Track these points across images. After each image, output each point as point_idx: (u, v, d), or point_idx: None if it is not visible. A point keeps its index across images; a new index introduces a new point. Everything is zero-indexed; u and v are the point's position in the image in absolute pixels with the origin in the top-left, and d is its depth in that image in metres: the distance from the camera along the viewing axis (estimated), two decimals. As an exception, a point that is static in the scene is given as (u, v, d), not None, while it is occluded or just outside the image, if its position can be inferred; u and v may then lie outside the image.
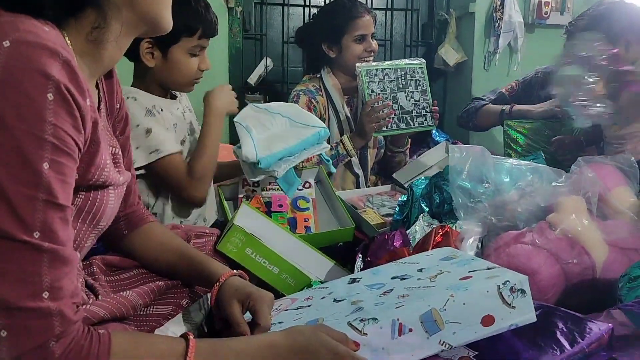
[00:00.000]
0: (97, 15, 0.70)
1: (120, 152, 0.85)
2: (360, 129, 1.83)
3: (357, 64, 1.82)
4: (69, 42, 0.68)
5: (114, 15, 0.72)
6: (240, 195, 1.44)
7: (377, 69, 1.81)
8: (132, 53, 1.32)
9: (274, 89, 3.02)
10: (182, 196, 1.38)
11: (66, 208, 0.63)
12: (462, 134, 2.84)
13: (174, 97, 1.49)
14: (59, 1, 0.65)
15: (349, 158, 1.86)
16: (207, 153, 1.38)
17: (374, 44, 1.97)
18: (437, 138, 2.50)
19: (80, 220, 0.76)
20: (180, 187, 1.36)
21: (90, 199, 0.75)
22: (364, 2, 2.28)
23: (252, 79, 2.90)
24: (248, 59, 2.90)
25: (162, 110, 1.39)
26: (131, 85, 1.42)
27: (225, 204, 1.44)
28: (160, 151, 1.32)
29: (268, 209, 1.40)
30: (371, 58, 1.96)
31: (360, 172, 1.99)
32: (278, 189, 1.45)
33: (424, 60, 1.92)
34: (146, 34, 0.81)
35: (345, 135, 1.87)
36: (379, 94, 1.80)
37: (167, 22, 0.80)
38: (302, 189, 1.48)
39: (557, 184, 1.08)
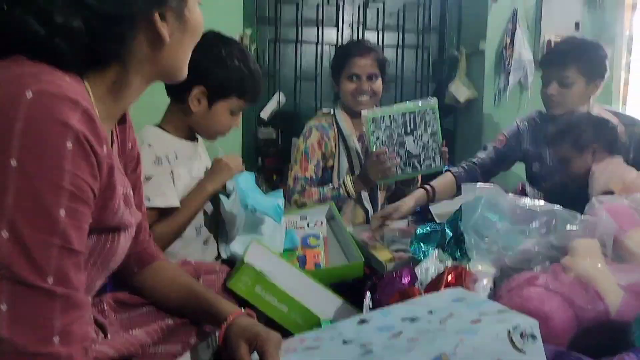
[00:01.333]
0: (121, 69, 0.73)
1: (131, 192, 0.86)
2: (364, 176, 1.81)
3: (362, 111, 1.76)
4: (89, 89, 0.70)
5: (137, 69, 0.74)
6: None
7: (384, 116, 1.74)
8: (177, 93, 1.36)
9: (287, 124, 3.06)
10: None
11: (80, 254, 0.64)
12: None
13: (195, 139, 1.50)
14: (83, 56, 0.67)
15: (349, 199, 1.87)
16: (175, 221, 1.34)
17: (375, 86, 1.95)
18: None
19: (91, 263, 0.76)
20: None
21: (102, 241, 0.76)
22: (374, 42, 2.29)
23: (265, 114, 2.94)
24: (262, 95, 2.94)
25: (176, 157, 1.39)
26: (161, 120, 1.44)
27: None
28: (151, 201, 1.31)
29: (279, 246, 1.40)
30: (365, 98, 1.94)
31: (369, 207, 1.98)
32: (291, 228, 1.46)
33: (436, 99, 1.86)
34: (161, 80, 0.83)
35: (348, 177, 1.86)
36: (384, 141, 1.75)
37: (184, 73, 0.82)
38: (313, 227, 1.48)
39: (572, 227, 1.07)
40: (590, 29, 2.93)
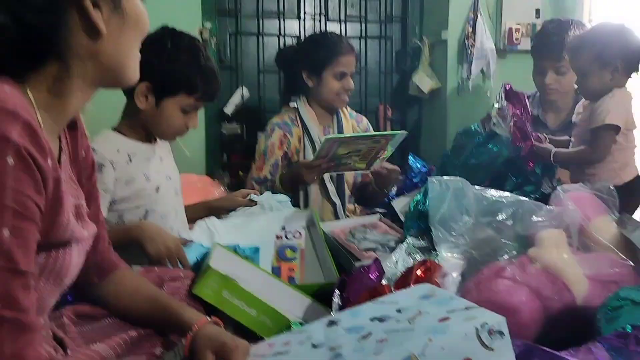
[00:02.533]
0: (60, 67, 0.69)
1: (84, 203, 0.83)
2: (296, 175, 1.79)
3: (326, 136, 1.67)
4: (31, 96, 0.67)
5: (78, 67, 0.71)
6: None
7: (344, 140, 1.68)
8: (126, 89, 1.30)
9: (251, 118, 3.02)
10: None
11: (28, 274, 0.61)
12: (437, 159, 2.86)
13: (153, 140, 1.45)
14: (18, 56, 0.65)
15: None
16: None
17: (350, 83, 1.97)
18: (414, 165, 2.50)
19: (42, 281, 0.73)
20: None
21: (52, 258, 0.73)
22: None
23: (229, 109, 2.89)
24: (224, 88, 2.88)
25: (130, 160, 1.35)
26: (120, 120, 1.40)
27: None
28: (106, 193, 1.28)
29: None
30: (347, 97, 1.97)
31: (337, 200, 1.97)
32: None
33: (405, 133, 1.76)
34: (112, 85, 0.79)
35: (278, 177, 1.87)
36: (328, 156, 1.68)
37: (133, 74, 0.79)
38: (291, 239, 1.42)
39: (538, 218, 1.07)
40: (551, 15, 2.96)
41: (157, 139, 1.46)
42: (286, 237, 1.40)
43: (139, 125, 1.39)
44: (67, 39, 0.69)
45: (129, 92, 1.33)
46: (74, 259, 0.77)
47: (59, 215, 0.70)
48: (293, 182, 1.84)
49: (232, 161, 3.04)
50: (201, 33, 2.60)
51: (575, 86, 1.77)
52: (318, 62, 1.94)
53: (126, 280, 0.98)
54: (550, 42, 2.05)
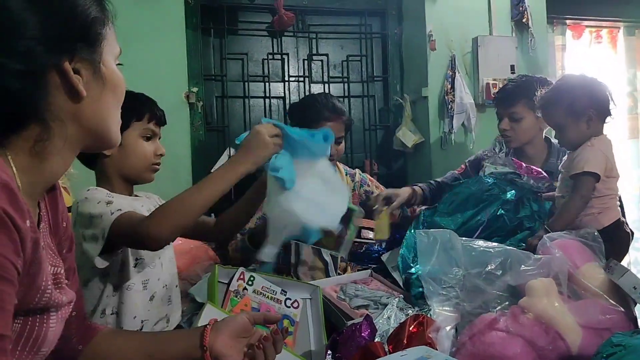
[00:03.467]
0: (41, 129, 0.70)
1: (63, 272, 0.81)
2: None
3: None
4: (10, 159, 0.67)
5: (59, 129, 0.72)
6: (232, 289, 1.35)
7: None
8: (87, 158, 1.35)
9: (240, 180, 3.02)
10: (137, 240, 1.17)
11: (5, 337, 0.59)
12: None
13: (132, 194, 1.46)
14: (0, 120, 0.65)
15: None
16: (184, 198, 1.15)
17: (340, 148, 1.95)
18: (402, 216, 2.51)
19: (19, 348, 0.70)
20: (136, 229, 1.14)
21: (30, 323, 0.71)
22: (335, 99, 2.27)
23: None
24: (212, 150, 2.93)
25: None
26: (97, 184, 1.40)
27: (217, 286, 1.31)
28: (120, 210, 1.22)
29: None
30: (334, 160, 1.95)
31: (329, 259, 1.96)
32: (270, 297, 1.35)
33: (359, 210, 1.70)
34: (92, 149, 0.81)
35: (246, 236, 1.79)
36: None
37: (115, 137, 0.80)
38: (289, 307, 1.36)
39: (526, 267, 1.08)
40: (525, 70, 3.09)
41: (142, 196, 1.47)
42: (285, 304, 1.36)
43: (116, 180, 1.39)
44: (48, 102, 0.70)
45: (89, 160, 1.37)
46: (53, 327, 0.75)
47: (37, 277, 0.68)
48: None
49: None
50: (188, 97, 2.65)
51: (555, 139, 1.82)
52: (302, 124, 1.95)
53: (112, 337, 0.97)
54: (504, 91, 2.17)
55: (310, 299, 1.43)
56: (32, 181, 0.72)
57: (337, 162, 2.09)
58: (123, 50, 0.83)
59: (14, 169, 0.67)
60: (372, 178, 2.22)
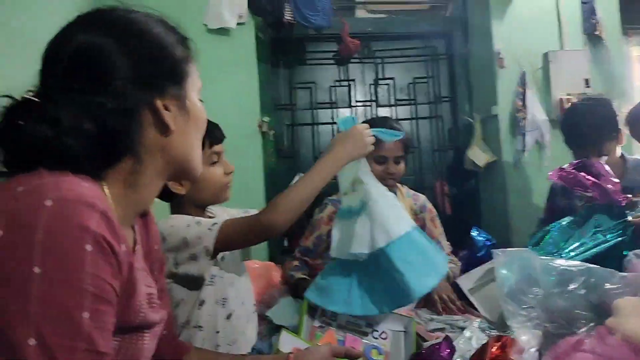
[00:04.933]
0: (134, 162, 0.76)
1: (156, 292, 0.87)
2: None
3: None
4: (107, 191, 0.73)
5: (150, 161, 0.78)
6: (316, 325, 1.38)
7: None
8: (163, 194, 1.38)
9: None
10: (252, 238, 1.30)
11: (106, 355, 0.63)
12: (500, 232, 2.81)
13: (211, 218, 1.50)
14: (97, 156, 0.71)
15: None
16: (297, 188, 1.30)
17: (400, 167, 1.98)
18: (478, 239, 2.46)
19: None
20: (248, 226, 1.27)
21: (127, 341, 0.76)
22: (395, 119, 2.32)
23: (288, 195, 2.98)
24: (282, 176, 3.02)
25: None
26: (171, 212, 1.46)
27: (305, 319, 1.36)
28: (217, 223, 1.29)
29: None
30: (391, 182, 1.96)
31: None
32: (355, 329, 1.36)
33: None
34: (176, 178, 0.87)
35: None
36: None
37: (198, 165, 0.86)
38: (377, 338, 1.36)
39: (611, 285, 1.04)
40: (600, 84, 2.97)
41: (214, 215, 1.52)
42: (372, 335, 1.36)
43: (192, 210, 1.43)
44: (142, 137, 0.76)
45: (166, 196, 1.38)
46: (147, 344, 0.80)
47: (132, 297, 0.74)
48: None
49: (293, 246, 3.08)
50: (260, 126, 2.76)
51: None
52: None
53: (201, 354, 1.04)
54: (582, 135, 2.07)
55: (404, 331, 1.39)
56: (127, 209, 0.78)
57: (399, 184, 2.10)
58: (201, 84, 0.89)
59: (110, 199, 0.73)
60: (432, 209, 2.18)
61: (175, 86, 0.79)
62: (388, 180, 1.96)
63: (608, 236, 1.38)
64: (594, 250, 1.36)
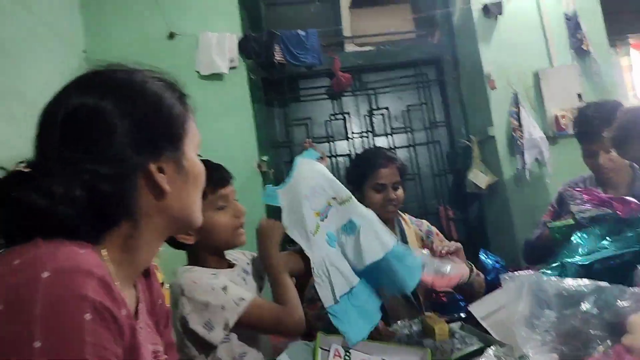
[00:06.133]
0: (130, 226, 0.75)
1: (162, 348, 0.85)
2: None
3: None
4: (106, 254, 0.72)
5: (147, 223, 0.76)
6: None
7: None
8: (174, 244, 1.33)
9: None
10: (281, 330, 1.35)
11: None
12: (508, 253, 2.77)
13: (231, 266, 1.47)
14: (94, 222, 0.70)
15: None
16: (287, 293, 1.37)
17: (399, 193, 1.97)
18: (487, 261, 2.42)
19: None
20: (278, 318, 1.32)
21: None
22: (386, 146, 2.35)
23: (288, 230, 2.96)
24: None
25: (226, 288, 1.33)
26: (188, 261, 1.41)
27: (319, 354, 1.31)
28: (244, 299, 1.27)
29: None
30: (392, 208, 1.95)
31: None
32: None
33: None
34: (179, 232, 0.85)
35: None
36: None
37: (197, 219, 0.85)
38: None
39: (623, 302, 1.02)
40: (593, 97, 2.99)
41: (235, 263, 1.48)
42: None
43: (208, 258, 1.40)
44: (138, 201, 0.74)
45: (178, 245, 1.35)
46: None
47: None
48: None
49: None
50: (260, 166, 2.77)
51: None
52: (357, 177, 1.99)
53: None
54: (593, 127, 2.04)
55: None
56: (127, 270, 0.77)
57: (400, 212, 2.08)
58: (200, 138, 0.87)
59: (109, 262, 0.72)
60: (437, 231, 2.17)
61: (172, 147, 0.78)
62: (389, 207, 1.94)
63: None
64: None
